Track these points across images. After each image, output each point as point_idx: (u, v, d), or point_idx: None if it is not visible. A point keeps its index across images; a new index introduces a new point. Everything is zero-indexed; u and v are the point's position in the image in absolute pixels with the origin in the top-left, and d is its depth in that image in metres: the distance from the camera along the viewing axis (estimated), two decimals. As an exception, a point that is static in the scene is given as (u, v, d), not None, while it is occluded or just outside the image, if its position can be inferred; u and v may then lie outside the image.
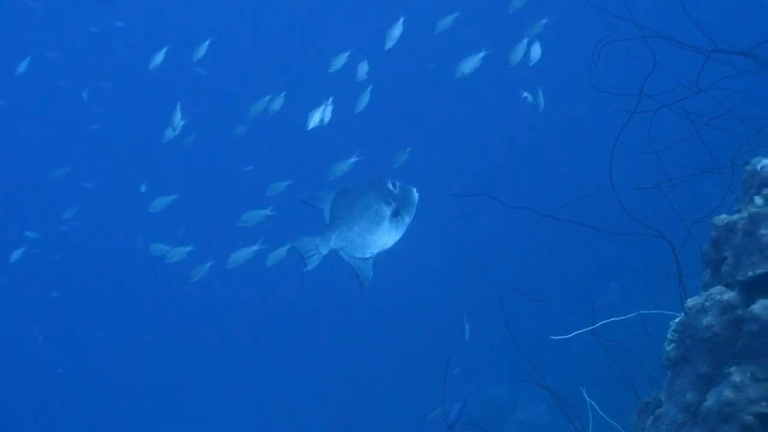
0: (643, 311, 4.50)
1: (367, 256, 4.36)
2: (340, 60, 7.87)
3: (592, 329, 4.58)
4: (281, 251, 7.35)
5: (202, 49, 9.71)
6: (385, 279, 4.54)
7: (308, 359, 17.42)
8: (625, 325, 4.63)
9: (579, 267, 15.13)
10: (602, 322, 4.52)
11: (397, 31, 7.33)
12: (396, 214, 4.35)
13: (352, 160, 7.21)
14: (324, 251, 4.34)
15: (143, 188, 11.13)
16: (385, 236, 4.35)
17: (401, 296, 15.82)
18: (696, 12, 5.43)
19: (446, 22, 7.98)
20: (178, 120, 8.51)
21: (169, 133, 8.72)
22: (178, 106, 8.56)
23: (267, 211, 8.03)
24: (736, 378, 3.08)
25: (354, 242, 4.33)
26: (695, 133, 5.01)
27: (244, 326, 19.20)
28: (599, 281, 14.09)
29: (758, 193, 3.30)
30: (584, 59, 5.68)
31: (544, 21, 7.70)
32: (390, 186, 4.39)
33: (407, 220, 4.39)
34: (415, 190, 4.42)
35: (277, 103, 8.31)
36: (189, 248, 8.50)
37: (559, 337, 4.51)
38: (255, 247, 7.68)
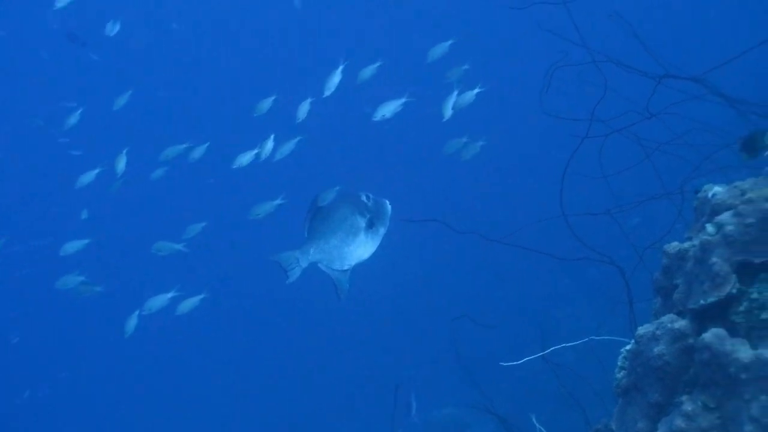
0: (594, 337, 4.47)
1: (345, 267, 4.45)
2: (266, 104, 7.89)
3: (543, 355, 4.54)
4: (194, 300, 7.43)
5: (123, 99, 9.59)
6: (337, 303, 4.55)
7: (256, 380, 17.18)
8: (577, 348, 4.60)
9: (529, 292, 15.14)
10: (552, 348, 4.48)
11: (336, 78, 7.36)
12: (371, 226, 4.43)
13: (277, 201, 7.24)
14: (304, 264, 4.43)
15: (84, 214, 10.99)
16: (362, 248, 4.45)
17: (350, 320, 15.68)
18: (647, 37, 5.45)
19: (368, 71, 8.00)
20: (122, 166, 8.50)
21: (88, 178, 8.76)
22: (125, 152, 8.54)
23: (179, 246, 8.01)
24: (688, 407, 3.04)
25: (332, 254, 4.43)
26: (646, 159, 5.02)
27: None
28: (550, 306, 14.13)
29: (710, 221, 3.28)
30: (535, 84, 5.68)
31: (465, 66, 7.83)
32: (364, 198, 4.48)
33: (382, 231, 4.49)
34: (387, 202, 4.50)
35: (198, 152, 8.46)
36: (99, 288, 8.39)
37: (509, 364, 4.45)
38: (170, 294, 7.71)
